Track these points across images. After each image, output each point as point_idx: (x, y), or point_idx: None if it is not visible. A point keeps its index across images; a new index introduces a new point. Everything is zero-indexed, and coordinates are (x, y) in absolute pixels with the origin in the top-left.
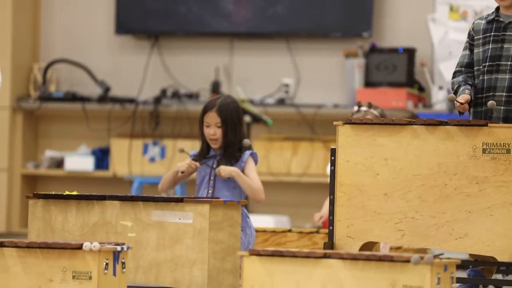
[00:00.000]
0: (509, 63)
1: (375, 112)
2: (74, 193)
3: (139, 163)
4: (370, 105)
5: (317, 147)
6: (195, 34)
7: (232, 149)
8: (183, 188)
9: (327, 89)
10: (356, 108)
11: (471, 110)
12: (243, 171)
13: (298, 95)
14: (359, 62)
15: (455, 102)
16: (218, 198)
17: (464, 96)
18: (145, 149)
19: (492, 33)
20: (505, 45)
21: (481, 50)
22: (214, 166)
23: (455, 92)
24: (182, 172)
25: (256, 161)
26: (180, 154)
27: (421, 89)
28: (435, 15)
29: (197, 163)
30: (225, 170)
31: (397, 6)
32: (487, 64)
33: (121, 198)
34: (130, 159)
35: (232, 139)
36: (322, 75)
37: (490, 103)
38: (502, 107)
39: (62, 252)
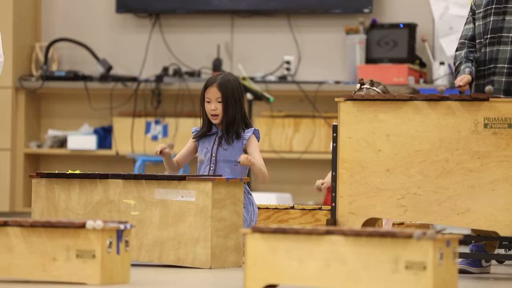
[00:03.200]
0: (511, 35)
1: (377, 89)
2: (77, 172)
3: (141, 142)
4: (372, 83)
5: (318, 124)
6: (196, 12)
7: (234, 126)
8: (186, 166)
9: (329, 65)
10: (358, 86)
11: (473, 83)
12: (245, 149)
13: (299, 72)
14: (360, 38)
15: (455, 83)
16: (220, 175)
17: (464, 77)
18: (148, 128)
19: (494, 6)
20: (507, 17)
21: (482, 22)
22: (216, 142)
23: (456, 68)
24: (161, 154)
25: (258, 138)
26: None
27: (422, 64)
28: None
29: (165, 146)
30: (249, 159)
31: None
32: (489, 36)
33: (124, 176)
34: (133, 137)
35: (233, 114)
36: (323, 51)
37: (488, 88)
38: (504, 79)
39: (66, 231)
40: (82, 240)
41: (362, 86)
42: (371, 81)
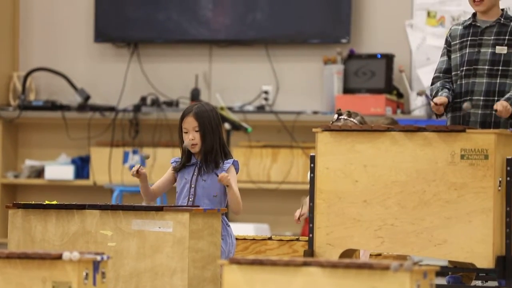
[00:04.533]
0: (486, 67)
1: (354, 120)
2: (54, 202)
3: (119, 172)
4: (349, 114)
5: (296, 154)
6: (174, 41)
7: (212, 154)
8: (164, 197)
9: (307, 95)
10: (335, 116)
11: (449, 114)
12: None
13: (277, 102)
14: (338, 69)
15: (431, 102)
16: (198, 206)
17: (440, 98)
18: (125, 158)
19: (469, 38)
20: (482, 50)
21: (458, 55)
22: (195, 174)
23: (433, 98)
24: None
25: (237, 170)
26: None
27: (400, 95)
28: (412, 21)
29: (136, 166)
30: (228, 179)
31: (375, 12)
32: (464, 68)
33: (101, 207)
34: (110, 167)
35: (211, 143)
36: (301, 81)
37: (465, 105)
38: (480, 111)
39: (42, 262)
40: (58, 271)
41: (340, 117)
42: (348, 112)
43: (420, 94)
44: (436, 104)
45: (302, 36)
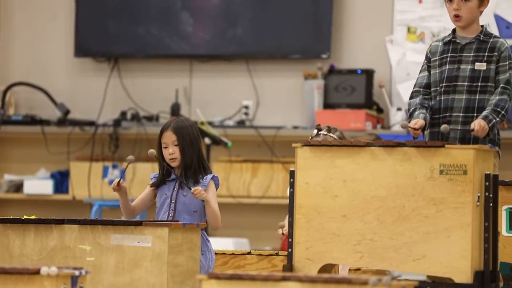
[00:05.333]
0: (466, 83)
1: (334, 135)
2: (33, 217)
3: (98, 186)
4: (329, 129)
5: (276, 169)
6: (154, 56)
7: (191, 168)
8: (143, 212)
9: (287, 110)
10: (315, 131)
11: (428, 130)
12: None
13: (257, 117)
14: (318, 84)
15: (408, 128)
16: (178, 221)
17: (418, 122)
18: (105, 172)
19: (449, 54)
20: (462, 66)
21: (438, 71)
22: (175, 189)
23: (411, 115)
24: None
25: (217, 185)
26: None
27: (380, 110)
28: (393, 37)
29: (116, 180)
30: (202, 193)
31: (356, 28)
32: (444, 84)
33: (80, 221)
34: (90, 182)
35: (190, 157)
36: (282, 96)
37: (443, 126)
38: (459, 127)
39: (20, 277)
40: (36, 286)
41: (319, 132)
42: (328, 127)
43: (403, 127)
44: (414, 129)
45: (282, 51)
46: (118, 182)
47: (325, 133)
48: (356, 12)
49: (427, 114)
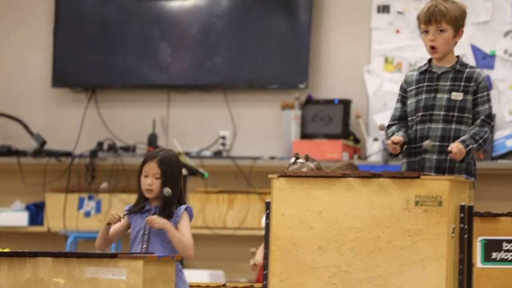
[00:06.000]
0: (442, 112)
1: (311, 165)
2: (7, 250)
3: (74, 218)
4: (307, 158)
5: (253, 199)
6: (132, 86)
7: (170, 204)
8: (118, 243)
9: (264, 141)
10: (293, 160)
11: (405, 159)
12: (176, 225)
13: (234, 147)
14: (296, 114)
15: (387, 142)
16: (152, 253)
17: (397, 137)
18: (81, 204)
19: (425, 84)
20: (438, 95)
21: (414, 100)
22: None
23: (389, 138)
24: (108, 224)
25: (191, 216)
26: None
27: (356, 140)
28: (370, 67)
29: (121, 215)
30: (158, 221)
31: (333, 58)
32: (420, 114)
33: (54, 254)
34: (65, 214)
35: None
36: (259, 127)
37: (426, 143)
38: (435, 157)
39: None
40: None
41: (297, 160)
42: (306, 156)
43: (381, 128)
44: (393, 142)
45: (260, 82)
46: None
47: (303, 161)
48: (334, 42)
49: (406, 135)
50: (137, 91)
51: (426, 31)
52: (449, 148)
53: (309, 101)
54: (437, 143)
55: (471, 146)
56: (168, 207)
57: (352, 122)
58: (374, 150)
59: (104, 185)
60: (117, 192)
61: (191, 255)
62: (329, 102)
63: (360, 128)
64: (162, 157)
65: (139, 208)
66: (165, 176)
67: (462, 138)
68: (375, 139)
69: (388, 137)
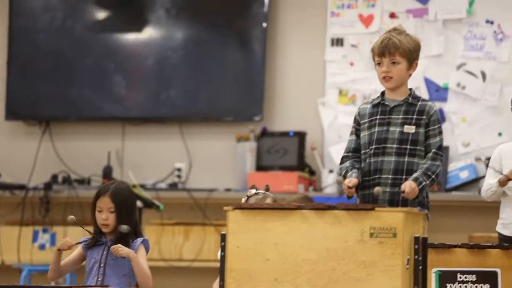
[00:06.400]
0: (395, 146)
1: (271, 195)
2: None
3: (28, 251)
4: (267, 189)
5: (209, 231)
6: (87, 119)
7: (125, 236)
8: (73, 276)
9: (219, 173)
10: (253, 191)
11: (359, 193)
12: None
13: (190, 179)
14: (251, 146)
15: (343, 185)
16: (108, 286)
17: (351, 180)
18: (35, 236)
19: (378, 116)
20: (391, 128)
21: (367, 133)
22: (105, 253)
23: (344, 177)
24: (59, 250)
25: (147, 249)
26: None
27: (312, 172)
28: (324, 99)
29: (72, 242)
30: (124, 249)
31: (288, 90)
32: (373, 147)
33: None
34: (19, 247)
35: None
36: (214, 159)
37: (376, 189)
38: (388, 190)
39: None
40: None
41: (258, 191)
42: (267, 186)
43: (338, 182)
44: (348, 187)
45: (215, 114)
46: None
47: (263, 191)
48: (289, 75)
49: (359, 174)
50: (92, 123)
51: (380, 63)
52: (402, 188)
53: (264, 133)
54: (390, 176)
55: (424, 183)
56: (124, 239)
57: (307, 154)
58: (329, 182)
59: (71, 217)
60: (72, 225)
61: (151, 286)
62: (284, 134)
63: (315, 160)
64: (114, 190)
65: (95, 241)
66: (119, 209)
67: (415, 175)
68: (330, 171)
69: (341, 174)
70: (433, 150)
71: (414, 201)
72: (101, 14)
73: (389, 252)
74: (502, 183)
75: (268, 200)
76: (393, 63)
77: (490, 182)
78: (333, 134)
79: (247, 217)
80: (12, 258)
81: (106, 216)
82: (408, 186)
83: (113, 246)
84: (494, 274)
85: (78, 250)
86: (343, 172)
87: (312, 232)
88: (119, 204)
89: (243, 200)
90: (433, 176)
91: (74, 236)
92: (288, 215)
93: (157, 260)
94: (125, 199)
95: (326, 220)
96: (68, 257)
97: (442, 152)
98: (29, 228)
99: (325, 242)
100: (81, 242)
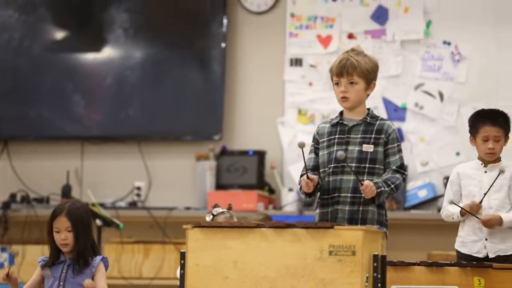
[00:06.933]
0: (354, 164)
1: (234, 214)
2: None
3: None
4: (230, 207)
5: (168, 250)
6: (45, 138)
7: (84, 254)
8: None
9: (179, 191)
10: (220, 209)
11: (318, 210)
12: (93, 276)
13: (149, 198)
14: (210, 165)
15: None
16: None
17: (312, 175)
18: None
19: (337, 136)
20: (350, 147)
21: (326, 152)
22: (64, 271)
23: (301, 187)
24: (7, 277)
25: (106, 267)
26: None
27: (271, 191)
28: (284, 119)
29: (6, 272)
30: (92, 284)
31: (247, 110)
32: (332, 165)
33: None
34: None
35: (83, 242)
36: (174, 177)
37: (340, 154)
38: (347, 208)
39: None
40: None
41: (223, 210)
42: (230, 205)
43: (300, 146)
44: (308, 177)
45: (174, 133)
46: (8, 273)
47: (226, 210)
48: (248, 94)
49: (319, 180)
50: (51, 142)
51: (338, 83)
52: (361, 186)
53: (224, 152)
54: (349, 194)
55: (382, 189)
56: (83, 257)
57: (267, 173)
58: (289, 200)
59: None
60: (31, 244)
61: None
62: (244, 153)
63: (275, 179)
64: (70, 210)
65: (54, 260)
66: (76, 227)
67: (375, 181)
68: (290, 190)
69: (299, 190)
70: (393, 168)
71: (373, 220)
72: (60, 34)
73: (348, 270)
74: (462, 214)
75: (235, 219)
76: (351, 83)
77: (451, 211)
78: (292, 153)
79: (207, 236)
80: None
81: (64, 235)
82: (367, 184)
83: (86, 283)
84: None
85: (38, 271)
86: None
87: (271, 250)
88: (75, 223)
89: (208, 218)
90: (392, 186)
91: (33, 255)
92: (248, 233)
93: (117, 278)
94: (81, 217)
95: (285, 238)
96: (29, 281)
97: (404, 169)
98: None
99: (285, 259)
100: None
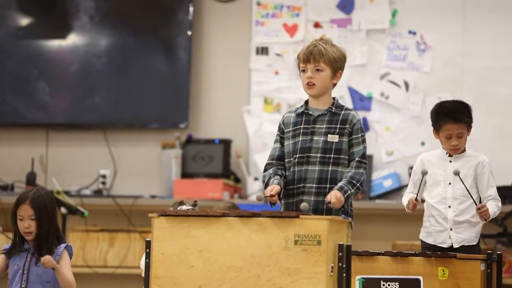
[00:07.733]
0: (319, 155)
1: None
2: None
3: None
4: (195, 204)
5: (134, 238)
6: (10, 125)
7: (47, 242)
8: None
9: (144, 180)
10: (184, 207)
11: (283, 201)
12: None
13: (115, 186)
14: (176, 153)
15: (265, 195)
16: None
17: (273, 188)
18: None
19: (302, 126)
20: (315, 138)
21: (291, 142)
22: (28, 259)
23: (266, 185)
24: None
25: (71, 255)
26: None
27: (237, 180)
28: (250, 107)
29: None
30: (51, 261)
31: (213, 98)
32: (297, 156)
33: None
34: None
35: (47, 230)
36: (139, 166)
37: (303, 205)
38: (312, 199)
39: None
40: None
41: (188, 208)
42: (195, 201)
43: (259, 199)
44: (271, 196)
45: (140, 121)
46: None
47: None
48: (214, 83)
49: (281, 180)
50: (15, 129)
51: (304, 70)
52: (328, 198)
53: (190, 140)
54: (314, 185)
55: (349, 192)
56: (47, 246)
57: (232, 162)
58: (254, 189)
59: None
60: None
61: None
62: (210, 141)
63: (240, 168)
64: (34, 198)
65: (17, 248)
66: (39, 215)
67: (340, 184)
68: (256, 179)
69: (264, 182)
70: (357, 159)
71: (338, 210)
72: (25, 20)
73: (314, 260)
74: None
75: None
76: (317, 70)
77: (403, 202)
78: (258, 142)
79: (172, 224)
80: None
81: (28, 223)
82: (334, 196)
83: (43, 259)
84: (417, 281)
85: (1, 259)
86: (266, 179)
87: (237, 239)
88: (39, 211)
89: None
90: (358, 185)
91: None
92: (213, 222)
93: (81, 267)
94: (45, 205)
95: (251, 228)
96: None
97: (365, 160)
98: None
99: (250, 249)
100: (4, 254)
